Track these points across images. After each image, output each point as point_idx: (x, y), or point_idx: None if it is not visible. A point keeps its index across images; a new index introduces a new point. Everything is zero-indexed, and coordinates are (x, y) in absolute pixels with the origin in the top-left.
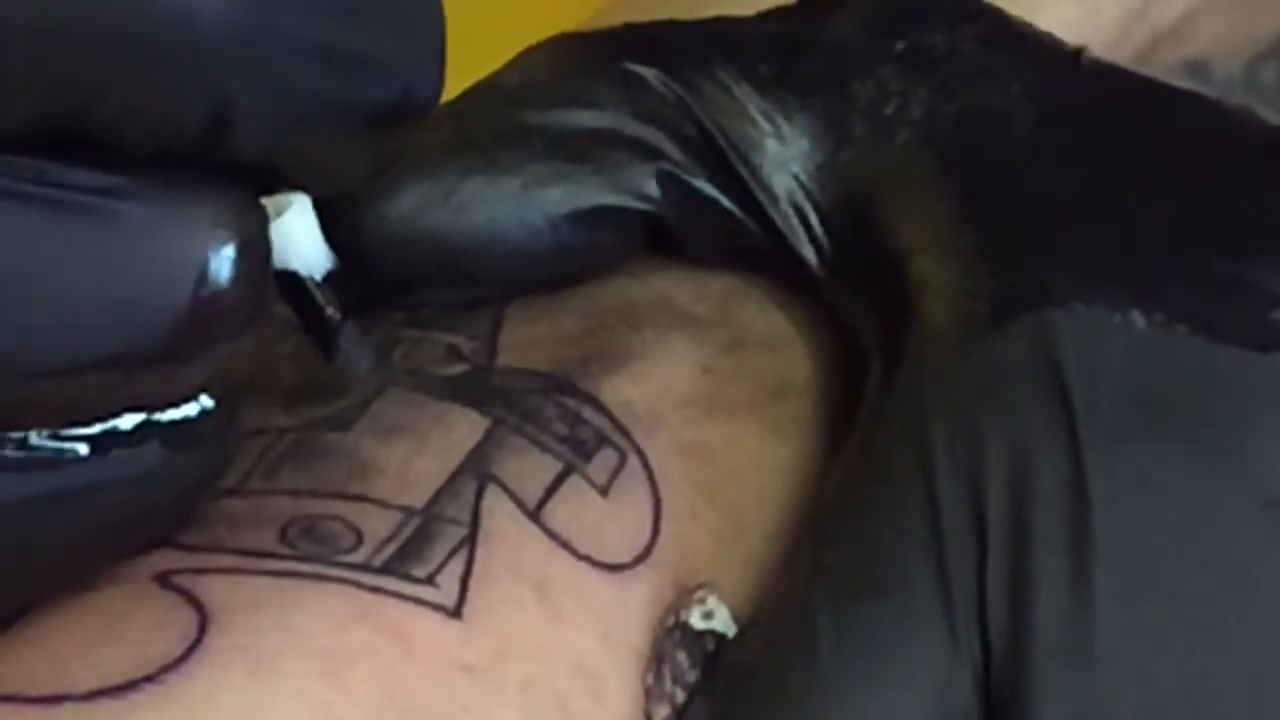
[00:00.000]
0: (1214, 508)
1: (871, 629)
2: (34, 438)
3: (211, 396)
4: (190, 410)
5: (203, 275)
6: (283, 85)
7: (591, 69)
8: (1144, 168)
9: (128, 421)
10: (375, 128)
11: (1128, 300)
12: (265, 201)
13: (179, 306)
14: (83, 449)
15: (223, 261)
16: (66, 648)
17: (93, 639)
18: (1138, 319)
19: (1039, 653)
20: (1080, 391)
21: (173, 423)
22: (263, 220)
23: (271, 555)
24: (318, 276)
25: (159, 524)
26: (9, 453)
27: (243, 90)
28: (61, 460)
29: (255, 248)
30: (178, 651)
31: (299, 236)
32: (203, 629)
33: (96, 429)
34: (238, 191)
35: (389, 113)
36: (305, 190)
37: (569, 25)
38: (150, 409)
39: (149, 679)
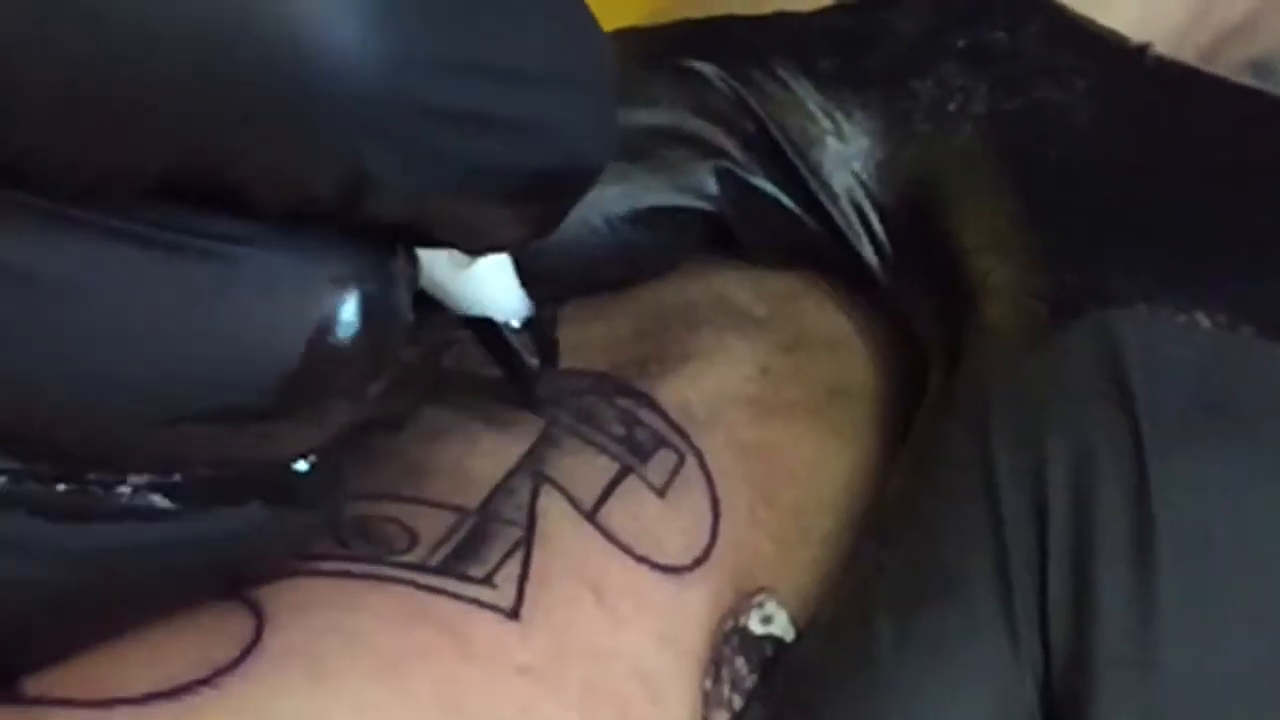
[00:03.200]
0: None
1: (932, 634)
2: (132, 488)
3: (319, 453)
4: (299, 466)
5: (318, 329)
6: (423, 153)
7: (650, 65)
8: (1208, 166)
9: (229, 478)
10: (535, 192)
11: (1191, 301)
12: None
13: (290, 360)
14: (180, 504)
15: (339, 317)
16: (122, 650)
17: (148, 642)
18: (1202, 320)
19: (1101, 659)
20: (1143, 393)
21: (277, 481)
22: (390, 277)
23: (326, 556)
24: (515, 323)
25: (256, 576)
26: (104, 501)
27: (380, 158)
28: (158, 513)
29: (379, 304)
30: (234, 654)
31: (493, 283)
32: (259, 631)
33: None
34: (367, 245)
35: (550, 177)
36: (457, 248)
37: (628, 20)
38: (255, 467)
39: (204, 682)
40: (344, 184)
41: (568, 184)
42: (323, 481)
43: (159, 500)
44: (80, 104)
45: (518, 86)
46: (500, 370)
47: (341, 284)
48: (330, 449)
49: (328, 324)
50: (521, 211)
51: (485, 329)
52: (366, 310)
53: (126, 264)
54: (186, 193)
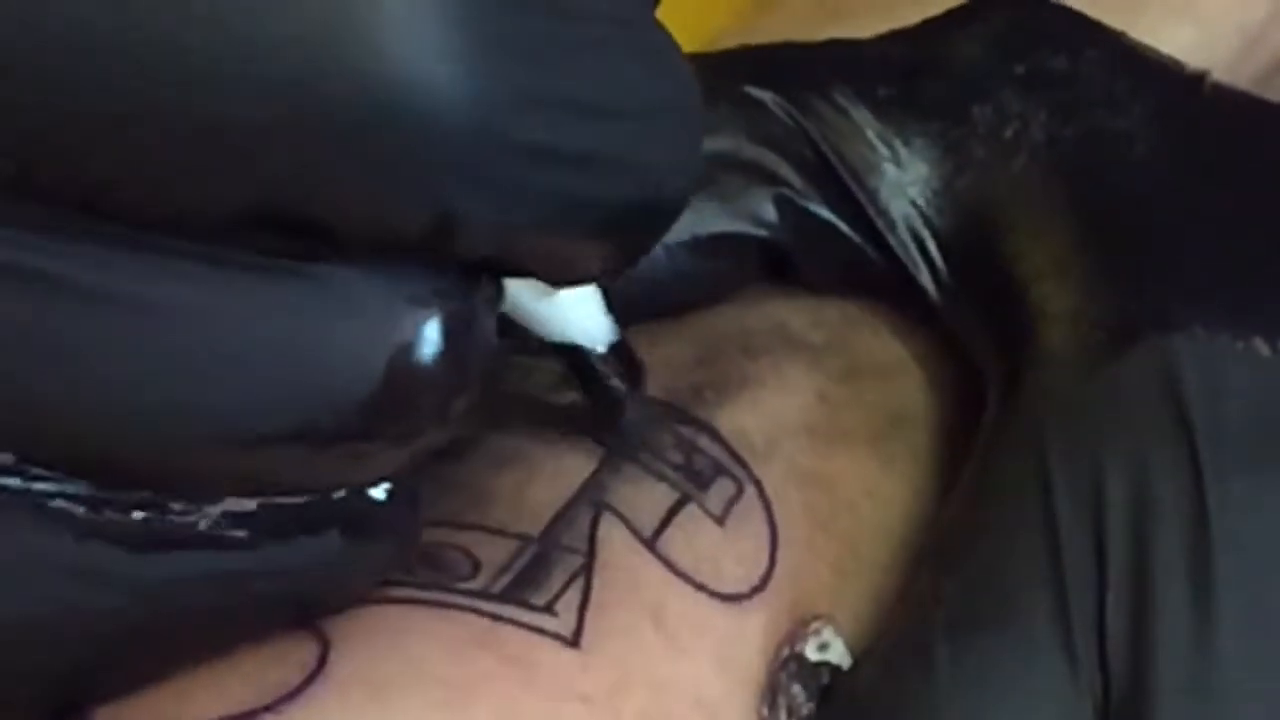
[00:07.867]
0: None
1: (990, 660)
2: (209, 517)
3: (396, 482)
4: (376, 495)
5: (399, 349)
6: (511, 191)
7: (708, 92)
8: (1265, 193)
9: (309, 505)
10: (621, 226)
11: (1250, 328)
12: None
13: (371, 380)
14: (258, 533)
15: (420, 337)
16: (187, 677)
17: (213, 668)
18: (1260, 346)
19: (1160, 685)
20: (1202, 420)
21: (356, 510)
22: (471, 298)
23: (391, 583)
24: (600, 349)
25: (331, 609)
26: (182, 530)
27: (467, 197)
28: (236, 542)
29: (460, 325)
30: (297, 680)
31: (578, 309)
32: (323, 658)
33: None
34: (449, 269)
35: (635, 211)
36: (542, 279)
37: (685, 48)
38: (332, 493)
39: (268, 709)
40: (430, 223)
41: (653, 217)
42: (399, 512)
43: (237, 529)
44: (160, 140)
45: (605, 121)
46: (584, 396)
47: (422, 304)
48: (407, 478)
49: (409, 344)
50: (607, 245)
51: (572, 355)
52: (447, 331)
53: (205, 285)
54: (267, 224)
